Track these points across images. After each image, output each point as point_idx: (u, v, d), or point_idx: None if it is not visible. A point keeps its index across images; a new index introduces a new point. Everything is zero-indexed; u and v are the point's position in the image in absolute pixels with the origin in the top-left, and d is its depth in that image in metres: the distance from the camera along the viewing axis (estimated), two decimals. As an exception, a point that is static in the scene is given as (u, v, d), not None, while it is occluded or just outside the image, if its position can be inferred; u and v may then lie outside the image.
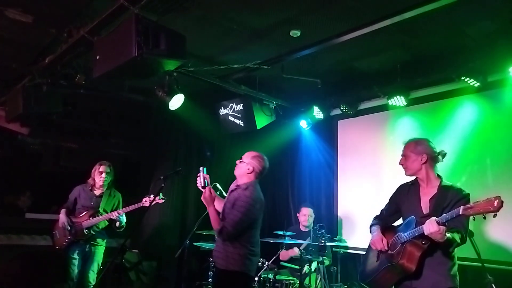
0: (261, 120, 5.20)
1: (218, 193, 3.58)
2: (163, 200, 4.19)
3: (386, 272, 2.70)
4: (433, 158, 2.74)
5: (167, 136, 6.53)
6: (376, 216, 3.05)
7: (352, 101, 5.53)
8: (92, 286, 4.35)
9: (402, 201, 2.86)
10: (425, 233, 2.39)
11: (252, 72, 4.83)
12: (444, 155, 2.77)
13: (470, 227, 2.64)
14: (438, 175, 2.75)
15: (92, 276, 4.39)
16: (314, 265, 4.64)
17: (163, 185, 3.57)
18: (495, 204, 2.15)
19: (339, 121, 5.98)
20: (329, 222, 5.61)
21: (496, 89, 4.38)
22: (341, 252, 5.05)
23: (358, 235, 5.34)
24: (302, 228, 5.24)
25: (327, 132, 6.07)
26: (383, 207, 3.07)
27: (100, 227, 4.49)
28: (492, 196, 2.23)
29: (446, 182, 2.72)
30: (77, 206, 4.51)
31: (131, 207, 4.40)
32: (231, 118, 5.35)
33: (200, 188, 3.31)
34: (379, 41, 4.20)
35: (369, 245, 3.02)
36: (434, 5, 3.22)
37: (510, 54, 3.96)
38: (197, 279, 5.25)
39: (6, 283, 4.69)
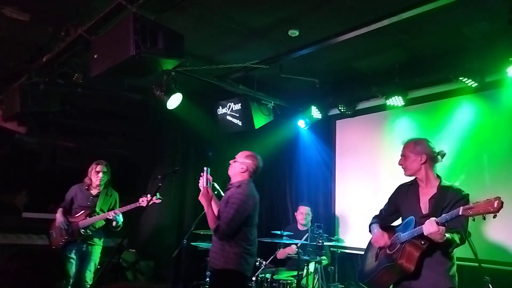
0: (259, 120, 5.19)
1: (215, 192, 3.57)
2: (160, 200, 4.18)
3: (384, 272, 2.69)
4: (432, 158, 2.73)
5: (165, 135, 6.52)
6: (375, 216, 3.04)
7: (350, 101, 5.53)
8: (89, 285, 4.33)
9: (401, 201, 2.86)
10: (425, 234, 2.39)
11: (250, 71, 4.82)
12: (443, 155, 2.77)
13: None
14: (438, 175, 2.74)
15: (89, 276, 4.38)
16: (312, 266, 4.63)
17: (160, 184, 3.56)
18: (495, 205, 2.15)
19: (337, 121, 5.98)
20: (327, 221, 5.61)
21: (493, 90, 4.39)
22: (339, 252, 5.05)
23: (355, 235, 5.35)
24: (300, 227, 5.24)
25: (325, 132, 6.07)
26: (381, 207, 3.07)
27: (97, 227, 4.47)
28: (490, 196, 2.23)
29: (446, 182, 2.71)
30: (73, 206, 4.49)
31: (128, 207, 4.39)
32: (229, 118, 5.34)
33: (201, 187, 3.31)
34: (377, 41, 4.21)
35: (367, 245, 3.02)
36: (432, 5, 3.23)
37: (508, 54, 3.97)
38: (195, 278, 5.24)
39: (3, 282, 4.67)
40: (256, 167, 3.30)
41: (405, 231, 2.61)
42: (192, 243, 4.78)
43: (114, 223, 4.39)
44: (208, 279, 4.71)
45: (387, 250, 2.73)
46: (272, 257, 4.83)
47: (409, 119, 5.11)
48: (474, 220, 2.30)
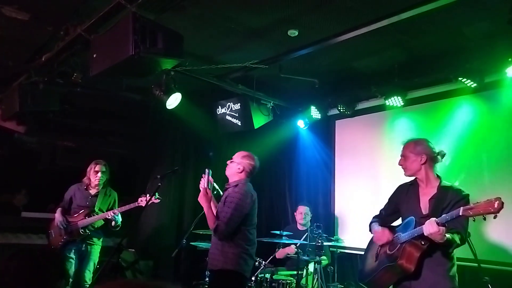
0: (259, 120, 5.19)
1: (215, 192, 3.58)
2: (159, 200, 4.18)
3: (385, 272, 2.69)
4: (432, 158, 2.73)
5: (165, 135, 6.51)
6: (375, 216, 3.04)
7: (350, 101, 5.54)
8: (88, 285, 4.33)
9: (401, 201, 2.86)
10: (425, 234, 2.39)
11: (249, 71, 4.82)
12: (443, 155, 2.77)
13: (466, 227, 2.64)
14: (438, 176, 2.74)
15: (88, 276, 4.38)
16: (311, 266, 4.63)
17: (160, 184, 3.56)
18: (496, 206, 2.14)
19: (336, 121, 5.98)
20: (326, 221, 5.61)
21: (493, 90, 4.39)
22: (338, 251, 5.06)
23: (355, 234, 5.34)
24: (299, 227, 5.24)
25: (325, 132, 6.07)
26: (380, 206, 3.07)
27: (96, 226, 4.47)
28: (489, 196, 2.23)
29: (446, 182, 2.71)
30: (72, 206, 4.49)
31: (127, 207, 4.39)
32: (228, 118, 5.34)
33: (201, 189, 3.31)
34: (377, 41, 4.20)
35: (367, 245, 3.02)
36: (432, 5, 3.23)
37: (507, 55, 3.97)
38: (194, 278, 5.24)
39: (2, 283, 4.66)
40: (252, 167, 3.33)
41: (405, 231, 2.61)
42: (192, 243, 4.78)
43: (113, 223, 4.40)
44: (207, 279, 4.71)
45: (387, 250, 2.73)
46: (271, 257, 4.83)
47: (408, 119, 5.11)
48: (474, 220, 2.29)
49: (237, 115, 5.25)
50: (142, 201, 4.28)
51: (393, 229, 2.83)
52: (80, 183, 4.57)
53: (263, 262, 4.59)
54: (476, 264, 3.59)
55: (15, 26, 4.13)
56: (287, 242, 4.64)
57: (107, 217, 4.37)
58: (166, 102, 4.47)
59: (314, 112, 5.71)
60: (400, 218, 2.88)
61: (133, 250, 5.70)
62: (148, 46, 3.04)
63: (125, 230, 4.47)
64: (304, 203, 5.41)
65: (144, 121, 6.53)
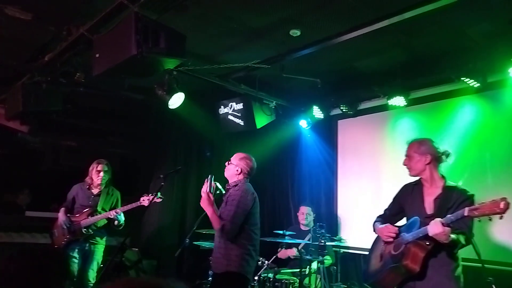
0: (261, 120, 5.19)
1: (218, 192, 3.59)
2: (161, 199, 4.18)
3: (389, 272, 2.68)
4: (437, 158, 2.72)
5: (167, 135, 6.52)
6: (379, 215, 3.02)
7: (352, 101, 5.53)
8: (91, 284, 4.34)
9: (406, 201, 2.84)
10: (430, 234, 2.37)
11: (252, 71, 4.82)
12: (448, 155, 2.75)
13: (470, 227, 2.63)
14: (442, 176, 2.72)
15: (92, 275, 4.39)
16: (314, 265, 4.62)
17: (163, 183, 3.56)
18: (501, 206, 2.12)
19: (338, 121, 5.97)
20: (329, 221, 5.60)
21: (496, 90, 4.38)
22: (341, 251, 5.05)
23: (358, 234, 5.33)
24: (302, 228, 5.24)
25: (327, 132, 6.06)
26: (383, 206, 3.06)
27: (99, 226, 4.48)
28: (492, 196, 2.21)
29: (450, 182, 2.69)
30: (75, 205, 4.50)
31: (129, 206, 4.39)
32: (231, 118, 5.34)
33: (203, 194, 3.31)
34: (379, 41, 4.19)
35: (372, 246, 3.00)
36: (434, 5, 3.22)
37: (510, 55, 3.95)
38: (197, 278, 5.24)
39: (4, 281, 4.68)
40: (250, 168, 3.37)
41: (410, 231, 2.60)
42: (195, 242, 4.78)
43: (116, 222, 4.41)
44: (210, 278, 4.72)
45: (392, 251, 2.71)
46: (274, 257, 4.83)
47: (411, 119, 5.10)
48: (480, 221, 2.27)
49: (239, 115, 5.25)
50: (144, 200, 4.29)
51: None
52: (83, 182, 4.59)
53: (266, 261, 4.59)
54: (480, 264, 3.56)
55: (18, 26, 4.14)
56: (290, 242, 4.64)
57: (109, 216, 4.38)
58: (168, 102, 4.48)
59: (317, 112, 5.70)
60: (405, 218, 2.86)
61: (137, 249, 5.71)
62: (150, 46, 3.05)
63: (128, 230, 4.48)
64: (305, 203, 5.41)
65: (146, 121, 6.54)
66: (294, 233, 4.81)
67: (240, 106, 5.24)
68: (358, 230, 5.38)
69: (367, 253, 3.10)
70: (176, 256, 4.40)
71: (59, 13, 3.86)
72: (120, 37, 3.16)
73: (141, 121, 6.60)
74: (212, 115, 5.65)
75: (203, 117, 5.77)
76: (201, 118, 5.78)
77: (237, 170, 3.33)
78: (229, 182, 3.38)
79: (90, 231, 4.39)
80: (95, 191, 4.55)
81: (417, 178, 2.83)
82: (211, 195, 3.30)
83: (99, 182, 4.50)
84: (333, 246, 4.91)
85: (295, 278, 4.63)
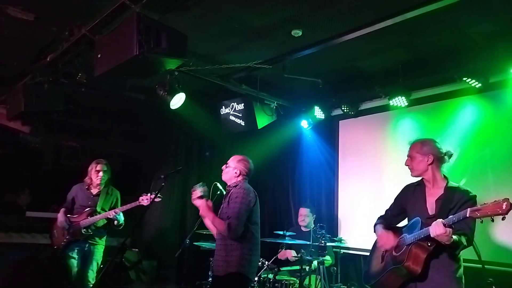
0: (262, 120, 5.19)
1: (218, 192, 3.60)
2: (160, 199, 4.17)
3: (391, 274, 2.67)
4: (439, 158, 2.70)
5: (168, 135, 6.53)
6: (380, 216, 3.00)
7: (353, 101, 5.52)
8: (91, 285, 4.34)
9: (408, 201, 2.83)
10: (431, 235, 2.36)
11: (253, 71, 4.82)
12: (450, 156, 2.74)
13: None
14: (445, 176, 2.71)
15: (92, 275, 4.38)
16: (315, 263, 4.61)
17: (163, 184, 3.56)
18: (504, 207, 2.10)
19: (340, 121, 5.97)
20: (330, 222, 5.60)
21: (497, 90, 4.37)
22: (341, 252, 5.04)
23: (358, 235, 5.33)
24: (303, 229, 5.23)
25: (328, 132, 6.06)
26: (384, 207, 3.04)
27: (99, 226, 4.47)
28: (493, 197, 2.20)
29: (453, 183, 2.67)
30: (75, 206, 4.50)
31: (128, 206, 4.38)
32: (232, 118, 5.34)
33: (200, 201, 3.32)
34: (381, 41, 4.19)
35: (373, 247, 2.99)
36: (436, 5, 3.22)
37: (511, 55, 3.95)
38: (197, 278, 5.25)
39: (5, 282, 4.69)
40: (248, 169, 3.39)
41: (411, 232, 2.58)
42: (195, 243, 4.78)
43: (115, 222, 4.40)
44: (210, 279, 4.72)
45: (393, 252, 2.70)
46: (274, 257, 4.83)
47: (412, 120, 5.09)
48: (482, 222, 2.26)
49: (240, 115, 5.25)
50: (143, 200, 4.28)
51: (398, 230, 2.81)
52: (82, 183, 4.57)
53: (266, 262, 4.59)
54: (480, 265, 3.57)
55: (20, 27, 4.15)
56: (290, 242, 4.64)
57: (109, 216, 4.37)
58: (170, 102, 4.48)
59: (318, 112, 5.70)
60: (406, 218, 2.85)
61: (137, 250, 5.71)
62: (152, 46, 3.05)
63: (129, 230, 4.47)
64: (304, 205, 5.40)
65: (147, 121, 6.55)
66: (294, 234, 4.81)
67: (241, 106, 5.24)
68: (358, 231, 5.37)
69: (367, 254, 3.09)
70: (176, 256, 4.40)
71: (61, 13, 3.87)
72: (122, 37, 3.16)
73: (142, 121, 6.61)
74: (213, 115, 5.66)
75: (204, 117, 5.77)
76: (202, 119, 5.78)
77: (235, 173, 3.35)
78: (229, 184, 3.39)
79: (90, 231, 4.38)
80: (94, 191, 4.55)
81: (419, 178, 2.82)
82: (209, 202, 3.32)
83: (98, 182, 4.50)
84: (333, 246, 4.91)
85: (294, 279, 4.62)
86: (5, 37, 4.41)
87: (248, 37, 4.27)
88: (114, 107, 6.52)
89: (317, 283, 4.59)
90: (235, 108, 5.31)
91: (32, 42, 4.47)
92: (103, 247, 4.54)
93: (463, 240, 2.45)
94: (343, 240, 5.06)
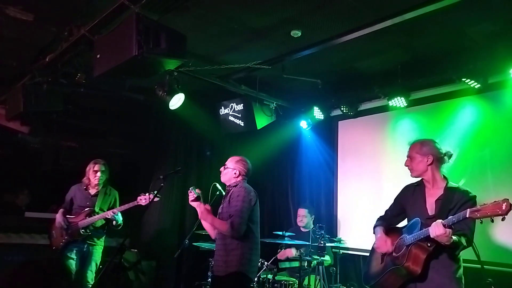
0: (261, 120, 5.19)
1: (217, 193, 3.60)
2: (158, 198, 4.17)
3: (390, 274, 2.67)
4: (439, 159, 2.71)
5: (167, 135, 6.52)
6: (380, 216, 3.00)
7: (353, 101, 5.53)
8: (90, 285, 4.34)
9: (407, 202, 2.83)
10: (431, 236, 2.36)
11: (252, 72, 4.82)
12: (450, 156, 2.74)
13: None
14: (444, 176, 2.71)
15: (90, 276, 4.38)
16: (314, 262, 4.61)
17: (162, 184, 3.56)
18: (504, 207, 2.11)
19: (339, 121, 5.97)
20: (329, 222, 5.61)
21: (496, 91, 4.38)
22: (341, 252, 5.04)
23: (358, 235, 5.33)
24: (302, 229, 5.23)
25: (327, 133, 6.06)
26: (383, 207, 3.05)
27: (97, 226, 4.46)
28: (492, 198, 2.21)
29: (452, 183, 2.68)
30: (73, 207, 4.49)
31: (126, 206, 4.38)
32: (231, 118, 5.34)
33: (199, 205, 3.34)
34: (380, 42, 4.20)
35: (372, 247, 2.99)
36: (435, 6, 3.22)
37: (511, 55, 3.95)
38: (196, 279, 5.24)
39: (5, 282, 4.68)
40: (247, 169, 3.41)
41: (411, 233, 2.58)
42: (194, 244, 4.78)
43: (114, 222, 4.39)
44: (209, 279, 4.71)
45: (393, 253, 2.70)
46: (273, 258, 4.83)
47: (411, 120, 5.10)
48: (482, 222, 2.26)
49: (240, 115, 5.25)
50: (141, 199, 4.27)
51: (398, 231, 2.81)
52: (80, 183, 4.57)
53: (265, 262, 4.59)
54: (479, 266, 3.57)
55: (19, 27, 4.15)
56: (289, 243, 4.64)
57: (107, 216, 4.37)
58: (169, 103, 4.48)
59: (317, 113, 5.70)
60: (406, 219, 2.85)
61: (136, 250, 5.70)
62: (151, 47, 3.05)
63: (128, 230, 4.47)
64: (303, 205, 5.40)
65: (147, 121, 6.54)
66: (294, 234, 4.81)
67: (240, 106, 5.24)
68: (358, 231, 5.38)
69: (366, 254, 3.09)
70: (175, 257, 4.39)
71: (60, 13, 3.87)
72: (121, 37, 3.16)
73: (142, 122, 6.61)
74: (213, 115, 5.66)
75: (204, 117, 5.77)
76: (201, 119, 5.78)
77: (235, 173, 3.36)
78: (229, 184, 3.40)
79: (88, 231, 4.38)
80: (92, 191, 4.54)
81: (418, 179, 2.82)
82: (207, 205, 3.33)
83: (96, 182, 4.49)
84: (333, 247, 4.91)
85: (294, 279, 4.63)
86: (5, 37, 4.41)
87: (248, 37, 4.27)
88: (113, 108, 6.52)
89: (317, 283, 4.59)
90: (234, 108, 5.32)
91: (32, 42, 4.47)
92: (102, 247, 4.54)
93: (463, 240, 2.45)
94: (342, 240, 5.07)
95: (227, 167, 3.41)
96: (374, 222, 3.00)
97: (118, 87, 5.48)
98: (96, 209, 4.43)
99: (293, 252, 4.88)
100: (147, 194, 4.24)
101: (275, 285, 4.51)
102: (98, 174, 4.47)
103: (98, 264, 4.48)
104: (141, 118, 6.57)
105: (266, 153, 5.94)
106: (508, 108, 4.30)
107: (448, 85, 4.67)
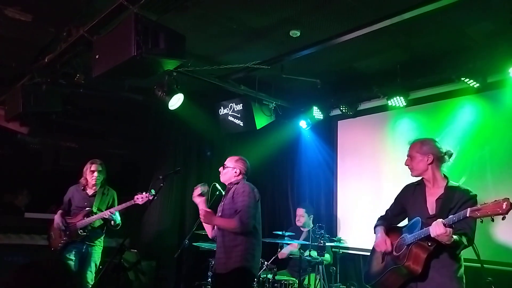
0: (261, 120, 5.19)
1: (217, 193, 3.60)
2: (155, 197, 4.16)
3: (391, 274, 2.67)
4: (439, 158, 2.70)
5: (167, 136, 6.52)
6: (381, 216, 3.00)
7: (352, 101, 5.53)
8: (90, 286, 4.33)
9: (408, 201, 2.83)
10: (432, 235, 2.36)
11: (251, 72, 4.82)
12: (450, 155, 2.74)
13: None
14: (445, 176, 2.71)
15: (90, 276, 4.37)
16: (313, 253, 4.60)
17: (162, 184, 3.56)
18: (504, 206, 2.10)
19: (338, 121, 5.97)
20: (329, 222, 5.61)
21: (495, 90, 4.38)
22: (340, 252, 5.05)
23: (357, 235, 5.34)
24: (302, 229, 5.24)
25: (327, 133, 6.06)
26: (383, 207, 3.04)
27: (95, 226, 4.45)
28: (492, 197, 2.21)
29: (453, 182, 2.67)
30: (72, 207, 4.48)
31: (123, 206, 4.37)
32: (230, 118, 5.34)
33: (195, 198, 3.38)
34: (379, 42, 4.20)
35: (373, 246, 3.00)
36: (434, 5, 3.22)
37: (510, 55, 3.95)
38: (196, 279, 5.24)
39: (4, 283, 4.66)
40: (247, 168, 3.44)
41: (412, 232, 2.58)
42: (194, 244, 4.78)
43: (112, 222, 4.38)
44: (209, 279, 4.71)
45: (394, 252, 2.70)
46: (273, 257, 4.83)
47: (410, 120, 5.10)
48: (482, 222, 2.26)
49: (239, 115, 5.25)
50: (138, 199, 4.26)
51: (399, 230, 2.81)
52: (78, 184, 4.56)
53: (266, 262, 4.59)
54: (479, 265, 3.57)
55: (18, 27, 4.14)
56: (289, 242, 4.64)
57: (104, 216, 4.36)
58: (168, 103, 4.48)
59: (316, 113, 5.70)
60: (407, 218, 2.85)
61: (136, 250, 5.70)
62: (150, 47, 3.05)
63: (127, 231, 4.47)
64: (300, 205, 5.41)
65: (146, 121, 6.54)
66: (294, 233, 4.81)
67: (239, 107, 5.24)
68: (357, 231, 5.38)
69: (366, 253, 3.09)
70: (175, 257, 4.40)
71: (59, 14, 3.87)
72: (120, 38, 3.16)
73: (141, 122, 6.60)
74: (212, 116, 5.66)
75: (203, 118, 5.77)
76: (200, 119, 5.78)
77: (235, 172, 3.38)
78: (230, 182, 3.41)
79: (86, 232, 4.37)
80: (90, 191, 4.53)
81: (419, 178, 2.81)
82: (211, 212, 3.33)
83: (93, 182, 4.48)
84: (332, 246, 4.92)
85: (294, 279, 4.63)
86: (3, 38, 4.41)
87: (247, 37, 4.27)
88: (113, 108, 6.51)
89: (317, 283, 4.59)
90: (233, 108, 5.31)
91: (30, 42, 4.46)
92: (101, 248, 4.53)
93: (464, 240, 2.45)
94: (342, 240, 5.07)
95: (227, 167, 3.42)
96: (374, 222, 3.00)
97: (117, 87, 5.48)
98: (94, 209, 4.42)
99: (296, 246, 4.88)
100: (144, 193, 4.24)
101: (275, 284, 4.51)
102: (95, 174, 4.46)
103: (98, 264, 4.47)
104: (140, 119, 6.57)
105: (266, 153, 5.94)
106: (507, 107, 4.30)
107: (447, 85, 4.67)
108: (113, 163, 4.83)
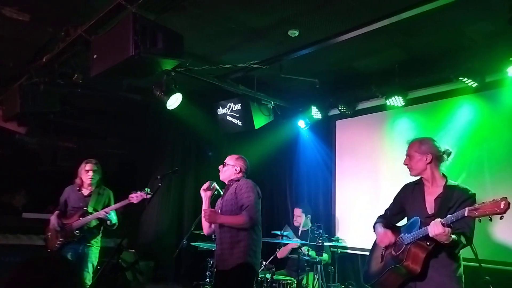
0: (259, 120, 5.19)
1: (216, 192, 3.60)
2: (150, 195, 4.15)
3: (390, 273, 2.67)
4: (438, 157, 2.70)
5: (165, 135, 6.52)
6: (380, 215, 3.00)
7: (350, 101, 5.53)
8: (88, 286, 4.32)
9: (407, 201, 2.82)
10: (430, 235, 2.35)
11: (250, 71, 4.82)
12: (449, 154, 2.74)
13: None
14: (444, 175, 2.71)
15: (88, 277, 4.35)
16: (312, 253, 4.60)
17: (160, 184, 3.56)
18: (502, 206, 2.10)
19: (337, 121, 5.97)
20: (327, 222, 5.62)
21: (494, 90, 4.38)
22: (339, 252, 5.05)
23: (355, 235, 5.34)
24: (300, 228, 5.23)
25: (325, 132, 6.07)
26: (381, 206, 3.04)
27: (91, 226, 4.43)
28: (490, 196, 2.21)
29: (452, 181, 2.67)
30: (68, 208, 4.46)
31: (118, 205, 4.34)
32: (229, 118, 5.34)
33: (201, 191, 3.39)
34: (377, 41, 4.20)
35: (372, 246, 2.99)
36: (433, 5, 3.22)
37: (508, 54, 3.96)
38: (195, 279, 5.24)
39: (3, 283, 4.64)
40: (247, 166, 3.47)
41: (410, 231, 2.58)
42: (192, 243, 4.77)
43: (108, 222, 4.36)
44: (208, 279, 4.71)
45: (393, 252, 2.70)
46: (272, 257, 4.83)
47: (409, 119, 5.10)
48: (480, 221, 2.26)
49: (237, 115, 5.25)
50: (132, 197, 4.24)
51: (397, 229, 2.80)
52: (73, 184, 4.53)
53: (264, 262, 4.59)
54: (477, 264, 3.58)
55: (15, 27, 4.13)
56: (287, 242, 4.64)
57: (100, 216, 4.34)
58: (166, 103, 4.47)
59: (315, 112, 5.70)
60: (406, 217, 2.85)
61: (134, 250, 5.70)
62: (148, 47, 3.04)
63: (125, 231, 4.46)
64: (298, 205, 5.41)
65: (144, 122, 6.54)
66: (292, 233, 4.81)
67: (238, 106, 5.24)
68: (356, 230, 5.38)
69: (365, 253, 3.09)
70: (174, 257, 4.39)
71: (57, 14, 3.86)
72: (118, 38, 3.15)
73: (139, 122, 6.60)
74: (210, 115, 5.65)
75: (201, 117, 5.77)
76: (199, 119, 5.78)
77: (235, 170, 3.39)
78: (230, 179, 3.41)
79: (82, 232, 4.35)
80: (85, 192, 4.49)
81: (418, 177, 2.82)
82: (214, 210, 3.34)
83: (88, 182, 4.44)
84: (331, 246, 4.92)
85: (292, 278, 4.63)
86: (1, 38, 4.39)
87: (245, 37, 4.26)
88: (111, 108, 6.50)
89: (315, 282, 4.59)
90: (232, 108, 5.31)
91: (28, 42, 4.45)
92: (98, 248, 4.50)
93: (463, 239, 2.45)
94: (341, 239, 5.07)
95: (227, 164, 3.42)
96: (372, 221, 3.00)
97: (115, 87, 5.47)
98: (90, 210, 4.39)
99: (296, 244, 4.88)
100: (138, 192, 4.21)
101: (274, 284, 4.51)
102: (90, 173, 4.43)
103: (95, 265, 4.46)
104: (138, 118, 6.57)
105: (264, 152, 5.94)
106: (505, 106, 4.31)
107: (445, 84, 4.68)
108: (111, 163, 4.83)
